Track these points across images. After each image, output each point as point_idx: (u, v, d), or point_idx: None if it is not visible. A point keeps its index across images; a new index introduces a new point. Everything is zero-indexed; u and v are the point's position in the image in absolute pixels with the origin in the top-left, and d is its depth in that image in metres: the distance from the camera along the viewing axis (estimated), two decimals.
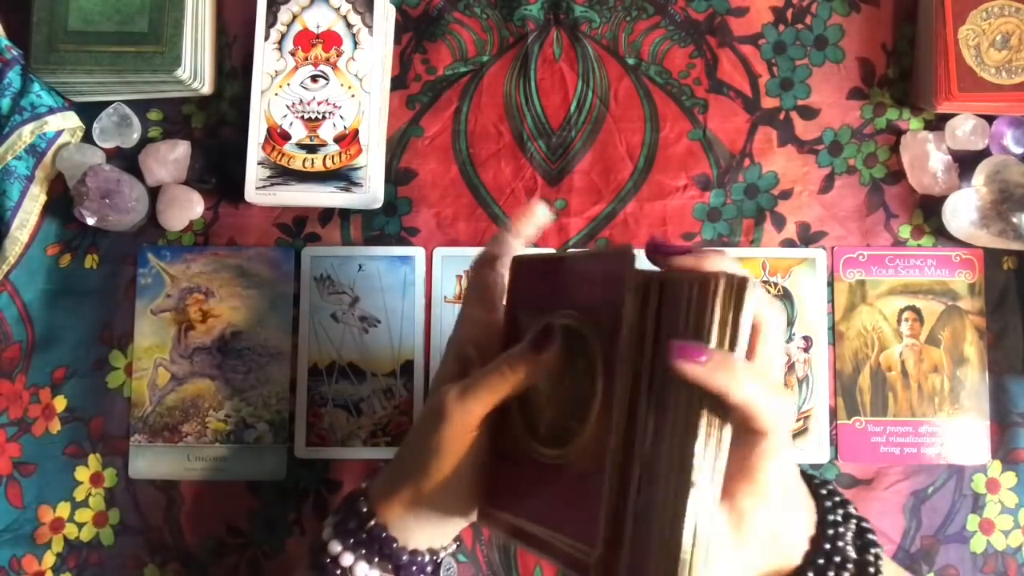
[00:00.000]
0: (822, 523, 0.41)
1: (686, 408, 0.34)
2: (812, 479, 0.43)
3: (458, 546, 0.48)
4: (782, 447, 0.36)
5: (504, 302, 0.47)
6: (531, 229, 0.48)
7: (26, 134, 0.61)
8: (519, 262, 0.46)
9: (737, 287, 0.34)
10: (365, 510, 0.45)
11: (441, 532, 0.46)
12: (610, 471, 0.36)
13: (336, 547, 0.44)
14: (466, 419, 0.41)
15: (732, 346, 0.34)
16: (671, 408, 0.35)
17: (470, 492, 0.44)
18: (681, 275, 0.36)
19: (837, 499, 0.42)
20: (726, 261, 0.37)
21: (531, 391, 0.41)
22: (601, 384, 0.37)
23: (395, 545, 0.44)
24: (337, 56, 0.61)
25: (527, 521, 0.40)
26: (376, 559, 0.44)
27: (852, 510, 0.42)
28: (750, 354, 0.36)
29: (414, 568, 0.44)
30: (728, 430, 0.35)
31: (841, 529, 0.41)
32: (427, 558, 0.45)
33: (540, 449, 0.40)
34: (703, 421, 0.34)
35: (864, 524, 0.42)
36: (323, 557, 0.45)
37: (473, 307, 0.47)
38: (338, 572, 0.44)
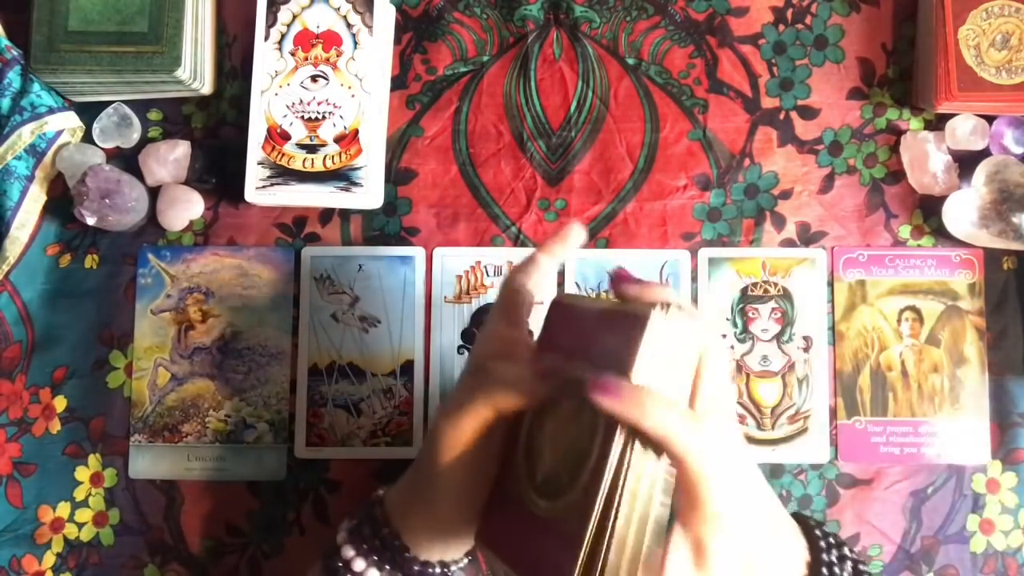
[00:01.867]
0: (816, 562, 0.41)
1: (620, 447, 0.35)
2: (806, 519, 0.44)
3: (470, 561, 0.48)
4: (719, 474, 0.36)
5: (531, 327, 0.46)
6: (566, 250, 0.48)
7: (26, 134, 0.61)
8: (555, 304, 0.45)
9: (642, 317, 0.36)
10: (381, 518, 0.45)
11: (452, 546, 0.46)
12: (587, 541, 0.35)
13: (349, 552, 0.45)
14: (455, 435, 0.41)
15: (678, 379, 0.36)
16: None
17: (477, 511, 0.43)
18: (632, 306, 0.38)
19: (832, 540, 0.42)
20: (666, 292, 0.39)
21: (538, 435, 0.41)
22: (599, 445, 0.36)
23: (407, 555, 0.44)
24: (337, 56, 0.61)
25: (509, 567, 0.40)
26: (388, 567, 0.44)
27: (848, 552, 0.42)
28: (693, 385, 0.38)
29: None
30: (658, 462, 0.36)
31: (836, 569, 0.41)
32: (438, 570, 0.45)
33: (533, 498, 0.39)
34: (628, 454, 0.35)
35: (861, 567, 0.42)
36: (336, 561, 0.45)
37: (497, 323, 0.46)
38: None
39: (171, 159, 0.63)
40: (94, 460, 0.61)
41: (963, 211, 0.60)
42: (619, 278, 0.41)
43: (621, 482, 0.35)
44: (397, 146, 0.64)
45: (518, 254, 0.62)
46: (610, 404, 0.35)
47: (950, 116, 0.62)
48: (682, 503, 0.37)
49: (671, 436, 0.35)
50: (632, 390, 0.35)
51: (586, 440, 0.37)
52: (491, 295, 0.62)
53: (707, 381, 0.38)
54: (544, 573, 0.37)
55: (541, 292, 0.47)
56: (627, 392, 0.35)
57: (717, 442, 0.36)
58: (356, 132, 0.61)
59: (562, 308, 0.45)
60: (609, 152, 0.63)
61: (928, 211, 0.62)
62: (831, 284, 0.62)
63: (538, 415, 0.41)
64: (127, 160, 0.64)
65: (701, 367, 0.38)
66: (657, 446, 0.36)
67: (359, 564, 0.44)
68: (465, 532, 0.44)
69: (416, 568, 0.44)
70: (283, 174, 0.60)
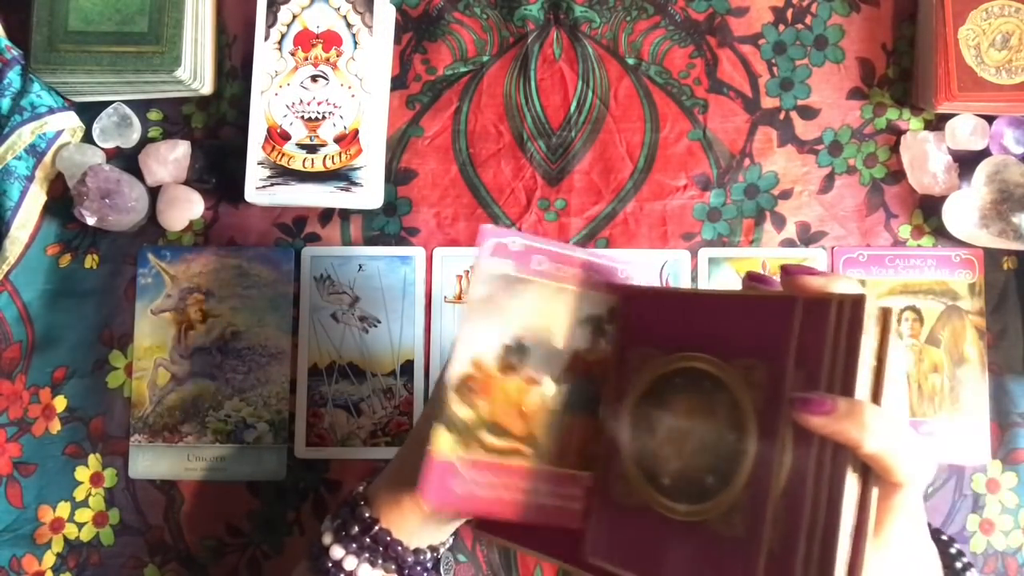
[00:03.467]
0: (950, 569, 0.39)
1: (829, 465, 0.32)
2: (939, 534, 0.41)
3: (454, 542, 0.49)
4: (914, 502, 0.34)
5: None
6: None
7: (26, 134, 0.61)
8: (633, 294, 0.43)
9: (883, 316, 0.32)
10: (368, 515, 0.45)
11: (440, 531, 0.47)
12: (768, 537, 0.33)
13: (339, 552, 0.45)
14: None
15: (878, 387, 0.32)
16: (810, 464, 0.33)
17: None
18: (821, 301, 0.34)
19: (964, 561, 0.41)
20: (852, 283, 0.35)
21: (649, 438, 0.39)
22: (756, 445, 0.34)
23: (400, 548, 0.44)
24: (337, 56, 0.61)
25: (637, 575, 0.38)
26: (380, 561, 0.44)
27: (969, 561, 0.41)
28: (876, 398, 0.33)
29: (418, 568, 0.45)
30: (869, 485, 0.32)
31: None
32: (428, 555, 0.46)
33: (665, 502, 0.37)
34: (849, 477, 0.32)
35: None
36: (325, 561, 0.45)
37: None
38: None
39: (171, 159, 0.63)
40: (94, 460, 0.61)
41: (963, 211, 0.60)
42: (794, 270, 0.37)
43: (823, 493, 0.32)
44: (397, 146, 0.64)
45: None
46: (820, 424, 0.32)
47: (950, 116, 0.61)
48: (882, 515, 0.33)
49: (895, 459, 0.32)
50: (849, 406, 0.31)
51: (731, 438, 0.35)
52: None
53: (891, 391, 0.34)
54: (710, 571, 0.35)
55: None
56: (843, 409, 0.31)
57: (929, 469, 0.33)
58: (356, 132, 0.61)
59: (649, 297, 0.42)
60: (609, 152, 0.63)
61: (928, 211, 0.62)
62: None
63: (641, 417, 0.39)
64: (127, 160, 0.64)
65: (885, 367, 0.33)
66: (862, 463, 0.32)
67: (350, 562, 0.44)
68: (450, 515, 0.45)
69: (410, 559, 0.45)
70: (283, 174, 0.60)
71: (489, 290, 0.42)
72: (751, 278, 0.39)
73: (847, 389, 0.32)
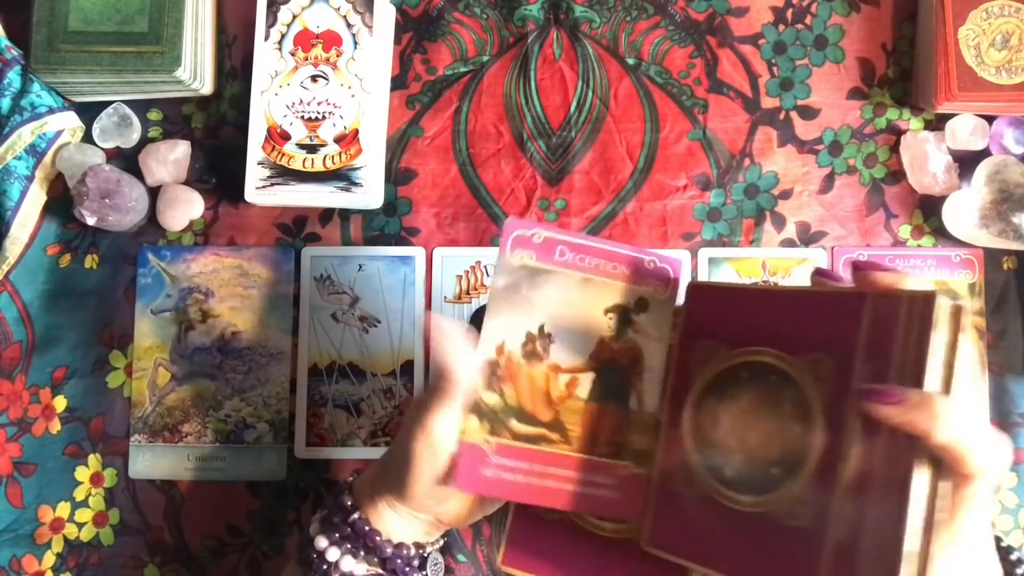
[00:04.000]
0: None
1: (901, 455, 0.32)
2: (998, 541, 0.40)
3: (446, 542, 0.49)
4: (987, 493, 0.33)
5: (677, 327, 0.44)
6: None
7: (26, 134, 0.61)
8: (700, 288, 0.44)
9: (954, 312, 0.32)
10: (349, 503, 0.45)
11: (425, 530, 0.46)
12: (833, 528, 0.33)
13: (322, 542, 0.45)
14: (422, 417, 0.42)
15: (948, 381, 0.32)
16: (880, 455, 0.33)
17: (451, 498, 0.44)
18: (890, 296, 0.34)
19: (1012, 549, 0.40)
20: (921, 281, 0.35)
21: (711, 430, 0.39)
22: (823, 437, 0.34)
23: (379, 538, 0.44)
24: (337, 56, 0.61)
25: (700, 565, 0.38)
26: (362, 552, 0.44)
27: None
28: (947, 391, 0.33)
29: (399, 561, 0.45)
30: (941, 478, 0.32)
31: None
32: (412, 551, 0.45)
33: (728, 493, 0.38)
34: (918, 469, 0.32)
35: None
36: (310, 552, 0.45)
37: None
38: (325, 567, 0.44)
39: (171, 159, 0.63)
40: (94, 460, 0.61)
41: (963, 211, 0.60)
42: (864, 265, 0.37)
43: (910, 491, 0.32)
44: (397, 146, 0.64)
45: None
46: (889, 414, 0.32)
47: (950, 116, 0.61)
48: (953, 508, 0.33)
49: (968, 449, 0.31)
50: (919, 396, 0.32)
51: (797, 430, 0.35)
52: None
53: (964, 385, 0.33)
54: (773, 561, 0.35)
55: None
56: (913, 399, 0.32)
57: (1005, 461, 0.33)
58: (356, 132, 0.61)
59: (714, 292, 0.43)
60: (609, 152, 0.63)
61: (928, 211, 0.62)
62: None
63: (705, 409, 0.40)
64: (127, 160, 0.64)
65: (956, 362, 0.33)
66: (935, 456, 0.32)
67: (333, 553, 0.45)
68: (440, 516, 0.45)
69: (390, 551, 0.45)
70: (283, 174, 0.60)
71: (512, 280, 0.43)
72: (819, 273, 0.39)
73: (917, 383, 0.33)
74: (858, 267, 0.37)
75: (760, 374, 0.38)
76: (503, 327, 0.43)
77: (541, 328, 0.44)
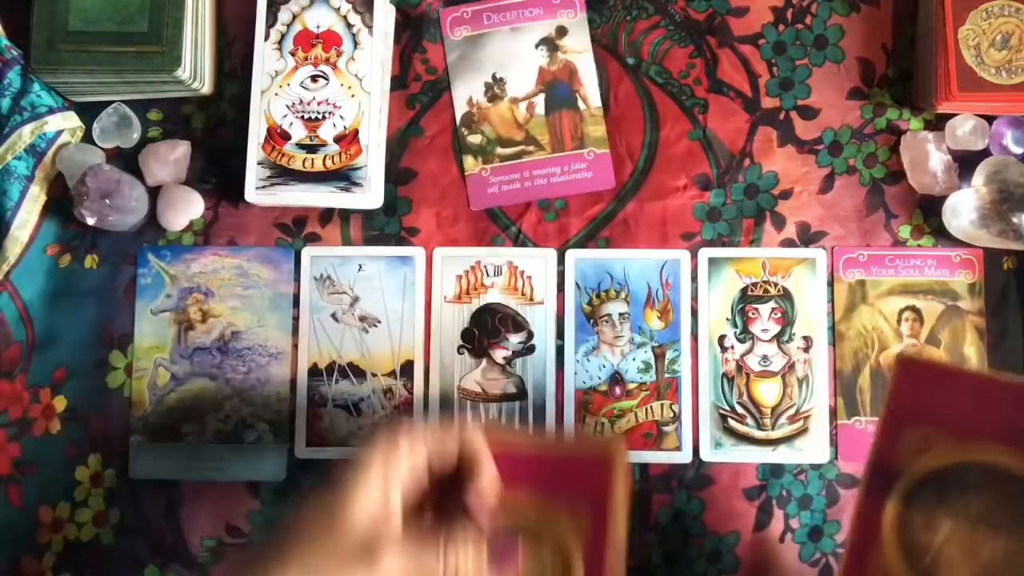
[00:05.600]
0: None
1: None
2: None
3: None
4: None
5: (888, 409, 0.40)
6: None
7: (26, 134, 0.61)
8: (912, 364, 0.39)
9: None
10: None
11: None
12: None
13: None
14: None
15: None
16: None
17: None
18: None
19: None
20: None
21: (922, 530, 0.35)
22: None
23: None
24: (337, 56, 0.61)
25: None
26: None
27: None
28: None
29: None
30: None
31: None
32: None
33: None
34: None
35: None
36: None
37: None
38: None
39: (171, 159, 0.63)
40: (94, 460, 0.61)
41: (963, 211, 0.60)
42: None
43: None
44: (397, 146, 0.64)
45: (518, 253, 0.62)
46: None
47: (950, 116, 0.61)
48: None
49: None
50: None
51: None
52: (491, 295, 0.62)
53: None
54: None
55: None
56: None
57: None
58: (356, 132, 0.61)
59: (931, 372, 0.38)
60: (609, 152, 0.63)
61: (928, 211, 0.62)
62: (831, 284, 0.62)
63: (917, 507, 0.35)
64: (127, 160, 0.64)
65: None
66: None
67: None
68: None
69: None
70: (283, 174, 0.60)
71: (461, 51, 0.61)
72: None
73: None
74: None
75: (996, 479, 0.33)
76: (466, 86, 0.60)
77: (493, 75, 0.61)
